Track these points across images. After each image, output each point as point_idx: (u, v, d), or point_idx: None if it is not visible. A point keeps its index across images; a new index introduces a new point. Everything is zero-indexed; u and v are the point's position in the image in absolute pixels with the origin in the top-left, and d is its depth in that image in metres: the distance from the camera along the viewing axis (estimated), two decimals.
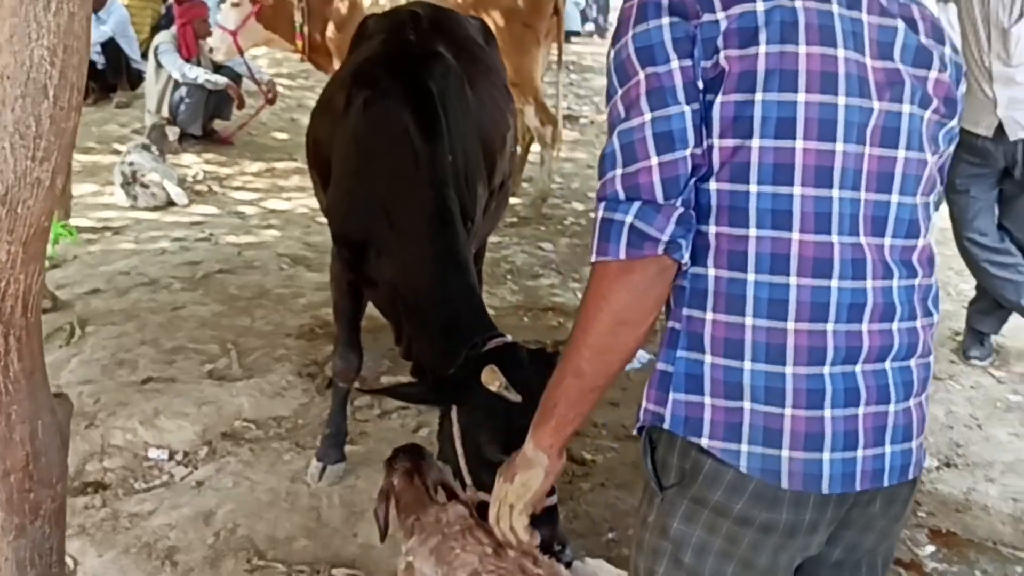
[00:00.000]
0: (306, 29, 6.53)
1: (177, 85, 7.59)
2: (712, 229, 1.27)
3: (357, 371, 3.22)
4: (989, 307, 4.40)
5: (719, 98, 1.23)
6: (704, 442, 1.29)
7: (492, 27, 6.09)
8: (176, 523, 3.01)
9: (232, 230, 5.96)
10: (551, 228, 6.35)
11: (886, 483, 1.31)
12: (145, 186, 6.24)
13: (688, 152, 1.24)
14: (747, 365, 1.26)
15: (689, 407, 1.30)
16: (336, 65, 6.77)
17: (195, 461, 3.41)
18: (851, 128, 1.24)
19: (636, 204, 1.24)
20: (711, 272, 1.28)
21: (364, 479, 3.27)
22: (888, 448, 1.30)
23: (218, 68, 7.79)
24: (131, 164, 6.32)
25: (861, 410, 1.28)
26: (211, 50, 7.17)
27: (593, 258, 1.28)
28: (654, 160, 1.24)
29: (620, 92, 1.27)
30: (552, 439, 1.44)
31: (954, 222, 4.32)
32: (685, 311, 1.31)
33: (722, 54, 1.22)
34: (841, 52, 1.23)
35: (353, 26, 6.50)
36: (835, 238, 1.24)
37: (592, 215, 5.89)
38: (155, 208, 6.26)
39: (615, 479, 3.34)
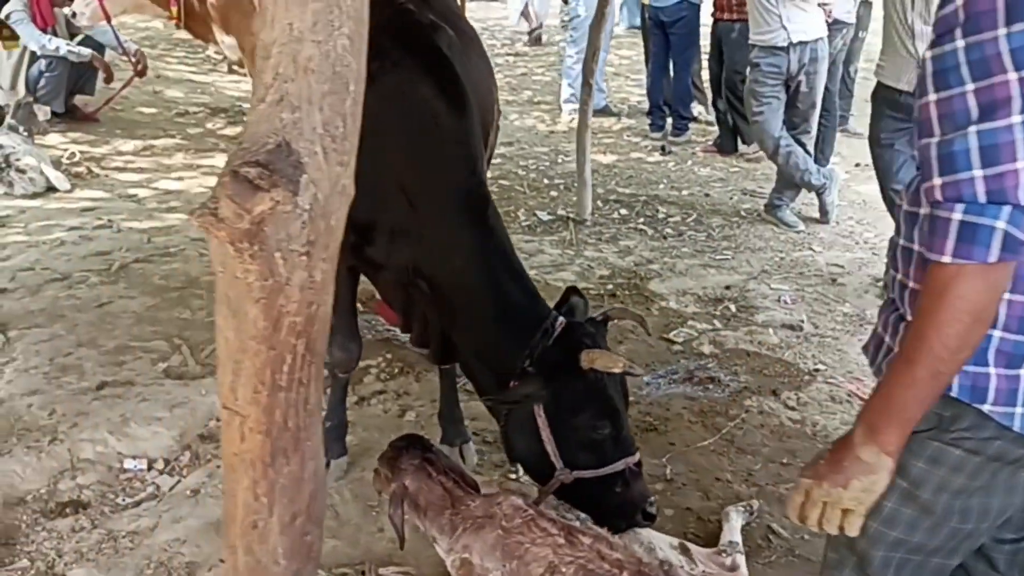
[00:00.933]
0: None
1: (34, 58, 6.91)
2: None
3: (357, 360, 3.08)
4: None
5: None
6: (986, 408, 1.38)
7: None
8: (185, 537, 2.80)
9: (131, 215, 5.53)
10: None
11: None
12: (21, 171, 5.68)
13: None
14: None
15: (976, 377, 1.38)
16: (217, 34, 6.36)
17: (179, 468, 3.18)
18: None
19: (1006, 209, 1.23)
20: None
21: (369, 470, 3.15)
22: None
23: (73, 37, 7.17)
24: (1, 148, 5.74)
25: None
26: (73, 15, 6.53)
27: (946, 259, 1.27)
28: (1022, 164, 1.23)
29: (974, 88, 1.24)
30: (899, 440, 1.41)
31: (880, 174, 4.58)
32: None
33: None
34: None
35: None
36: None
37: None
38: (34, 195, 5.73)
39: None
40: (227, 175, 0.97)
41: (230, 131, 7.55)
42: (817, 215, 5.89)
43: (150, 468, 3.17)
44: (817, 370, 4.01)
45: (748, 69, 5.61)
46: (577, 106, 8.60)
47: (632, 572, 2.34)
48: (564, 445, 2.43)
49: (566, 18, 8.89)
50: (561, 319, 2.47)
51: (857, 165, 7.03)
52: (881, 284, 4.88)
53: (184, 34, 7.23)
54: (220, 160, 6.52)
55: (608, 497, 2.51)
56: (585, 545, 2.37)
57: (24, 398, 3.42)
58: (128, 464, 3.17)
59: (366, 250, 2.68)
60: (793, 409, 3.69)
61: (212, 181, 4.93)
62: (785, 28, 5.30)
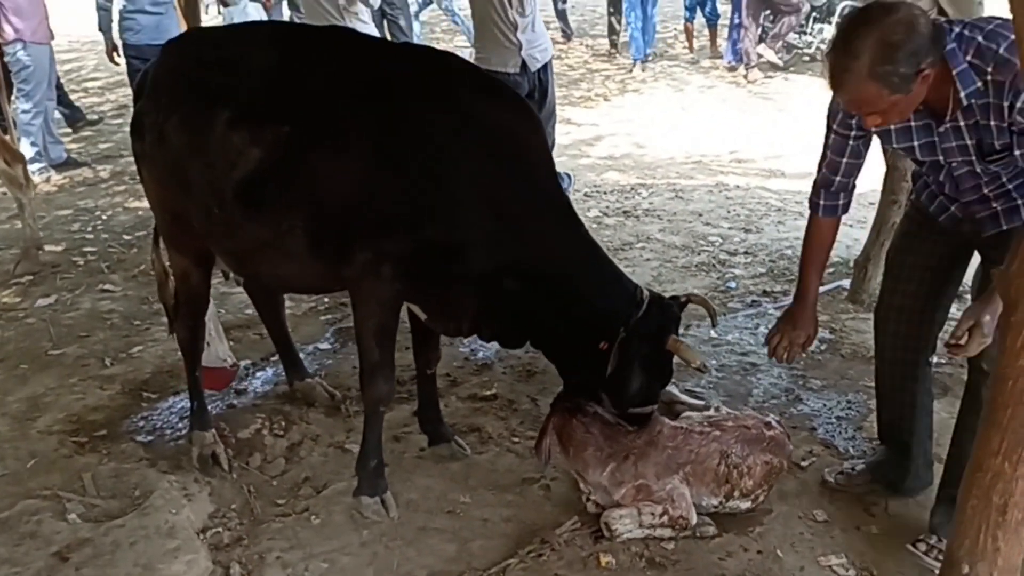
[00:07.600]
0: None
1: None
2: None
3: None
4: None
5: None
6: None
7: None
8: None
9: None
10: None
11: None
12: None
13: None
14: None
15: None
16: None
17: None
18: None
19: None
20: None
21: (411, 487, 3.18)
22: None
23: None
24: None
25: None
26: None
27: None
28: None
29: None
30: None
31: None
32: None
33: None
34: None
35: None
36: None
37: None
38: None
39: None
40: None
41: None
42: None
43: None
44: None
45: None
46: (45, 164, 7.62)
47: (764, 423, 2.97)
48: (622, 393, 2.85)
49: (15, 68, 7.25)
50: (646, 292, 2.84)
51: None
52: None
53: None
54: None
55: None
56: (731, 426, 2.93)
57: None
58: None
59: (451, 269, 2.79)
60: None
61: None
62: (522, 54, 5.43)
